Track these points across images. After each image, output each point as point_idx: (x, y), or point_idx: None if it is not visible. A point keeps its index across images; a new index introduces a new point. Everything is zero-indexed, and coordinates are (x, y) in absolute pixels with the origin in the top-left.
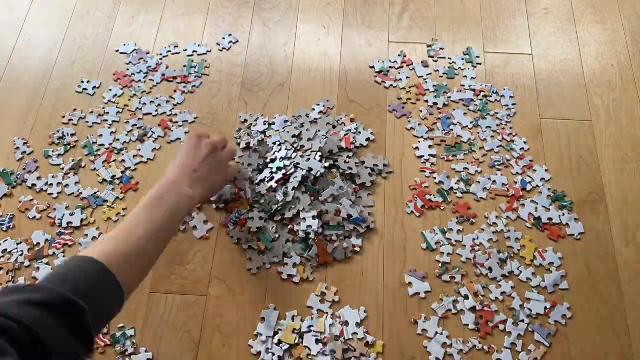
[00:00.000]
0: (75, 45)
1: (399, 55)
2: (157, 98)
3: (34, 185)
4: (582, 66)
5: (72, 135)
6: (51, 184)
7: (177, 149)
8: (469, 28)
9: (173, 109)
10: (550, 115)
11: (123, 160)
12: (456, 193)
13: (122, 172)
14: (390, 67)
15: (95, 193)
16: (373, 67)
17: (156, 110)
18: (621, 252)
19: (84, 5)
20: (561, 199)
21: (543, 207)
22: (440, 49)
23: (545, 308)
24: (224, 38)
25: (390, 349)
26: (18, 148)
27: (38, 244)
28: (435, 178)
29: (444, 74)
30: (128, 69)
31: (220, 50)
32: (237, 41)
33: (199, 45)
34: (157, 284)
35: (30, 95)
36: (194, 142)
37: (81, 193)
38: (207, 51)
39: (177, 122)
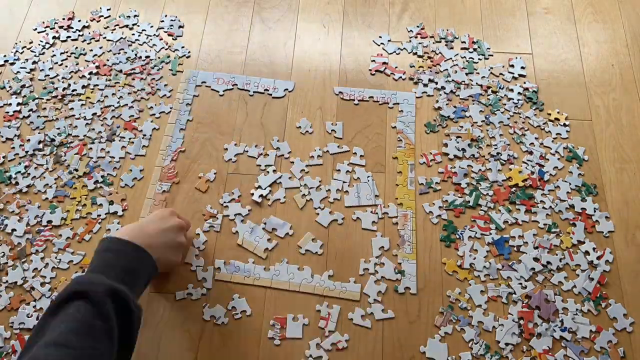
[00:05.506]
0: None
1: (417, 27)
2: (119, 90)
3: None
4: (582, 66)
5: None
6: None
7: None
8: (468, 27)
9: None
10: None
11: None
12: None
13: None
14: (401, 48)
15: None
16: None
17: (118, 102)
18: (621, 252)
19: (83, 5)
20: (588, 186)
21: (577, 186)
22: (446, 30)
23: (591, 331)
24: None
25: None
26: None
27: (19, 243)
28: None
29: (463, 68)
30: (108, 59)
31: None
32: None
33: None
34: (157, 284)
35: None
36: (164, 214)
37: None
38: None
39: (154, 115)
